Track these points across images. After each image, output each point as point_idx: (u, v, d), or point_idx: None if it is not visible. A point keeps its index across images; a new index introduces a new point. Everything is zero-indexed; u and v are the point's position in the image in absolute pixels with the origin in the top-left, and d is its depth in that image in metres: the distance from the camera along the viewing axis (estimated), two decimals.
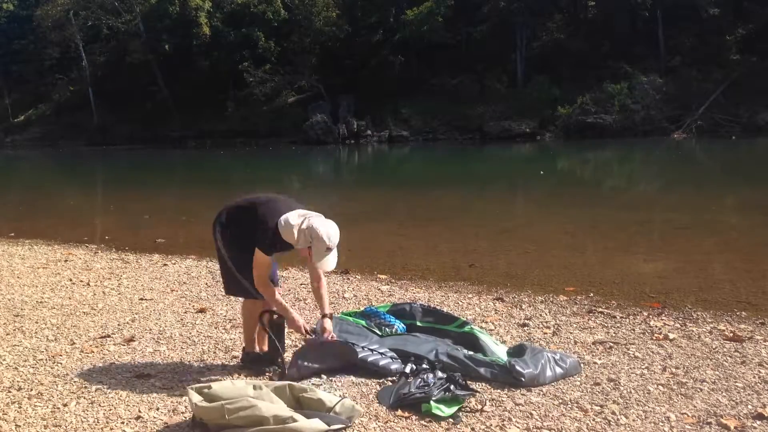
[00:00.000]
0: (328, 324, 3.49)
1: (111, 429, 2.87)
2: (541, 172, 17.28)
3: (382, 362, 3.45)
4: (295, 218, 3.24)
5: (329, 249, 3.18)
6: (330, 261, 3.23)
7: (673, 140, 28.18)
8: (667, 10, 32.02)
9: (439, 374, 3.18)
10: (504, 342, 3.92)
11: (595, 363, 3.56)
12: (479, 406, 3.00)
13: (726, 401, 3.03)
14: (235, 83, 39.97)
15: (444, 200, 12.58)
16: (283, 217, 3.24)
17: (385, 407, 3.02)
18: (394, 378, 3.35)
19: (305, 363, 3.38)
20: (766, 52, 29.56)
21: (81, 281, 5.87)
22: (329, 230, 3.18)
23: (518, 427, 2.82)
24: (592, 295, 5.18)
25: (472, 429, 2.81)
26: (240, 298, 3.66)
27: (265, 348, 3.61)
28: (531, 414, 2.94)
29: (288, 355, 3.54)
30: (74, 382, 3.41)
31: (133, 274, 6.17)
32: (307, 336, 3.46)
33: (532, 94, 33.00)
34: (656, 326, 4.23)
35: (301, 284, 5.58)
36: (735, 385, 3.21)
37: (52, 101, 48.59)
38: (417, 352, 3.57)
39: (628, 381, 3.29)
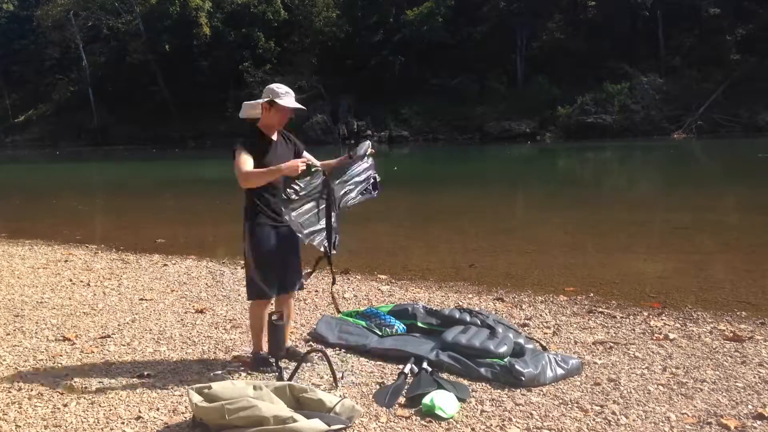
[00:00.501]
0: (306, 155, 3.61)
1: (111, 429, 2.87)
2: (395, 168, 17.30)
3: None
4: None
5: (287, 93, 3.48)
6: (290, 99, 3.48)
7: (673, 140, 28.20)
8: (667, 10, 32.06)
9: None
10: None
11: (595, 363, 3.56)
12: (479, 406, 3.00)
13: (726, 401, 3.03)
14: (235, 83, 40.00)
15: (444, 200, 12.58)
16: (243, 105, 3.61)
17: (384, 407, 3.02)
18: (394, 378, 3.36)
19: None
20: (766, 52, 29.58)
21: (81, 281, 5.87)
22: (275, 83, 3.59)
23: (518, 427, 2.82)
24: (592, 295, 5.18)
25: (472, 429, 2.81)
26: (243, 302, 3.66)
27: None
28: (531, 414, 2.94)
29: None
30: (74, 382, 3.41)
31: (133, 274, 6.17)
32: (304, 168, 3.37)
33: (532, 94, 33.05)
34: (656, 326, 4.23)
35: None
36: (735, 385, 3.21)
37: (52, 101, 48.64)
38: (417, 353, 3.57)
39: (628, 381, 3.29)
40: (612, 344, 3.86)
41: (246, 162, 3.33)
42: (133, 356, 3.82)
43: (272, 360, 3.54)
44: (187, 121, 39.80)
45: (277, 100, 3.43)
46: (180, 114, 40.45)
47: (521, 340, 3.69)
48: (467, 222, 9.63)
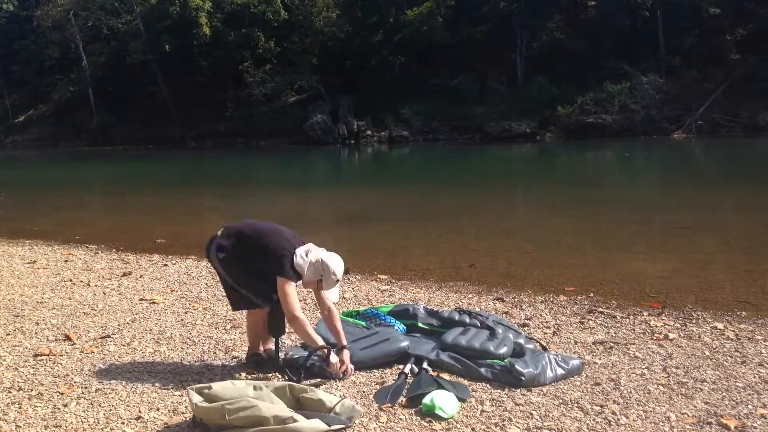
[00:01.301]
0: (346, 356, 3.44)
1: (111, 429, 2.87)
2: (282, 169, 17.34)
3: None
4: (305, 253, 3.40)
5: (337, 281, 3.41)
6: (336, 292, 3.49)
7: (673, 140, 28.21)
8: (667, 10, 32.04)
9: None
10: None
11: (595, 363, 3.56)
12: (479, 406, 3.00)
13: (726, 401, 3.04)
14: (235, 83, 39.98)
15: (444, 200, 12.58)
16: (297, 251, 3.39)
17: (383, 407, 3.02)
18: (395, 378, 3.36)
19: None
20: (766, 52, 29.55)
21: (81, 281, 5.87)
22: (337, 265, 3.39)
23: (518, 427, 2.82)
24: (592, 295, 5.18)
25: (472, 429, 2.82)
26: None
27: (270, 346, 3.63)
28: (531, 414, 2.94)
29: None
30: (74, 382, 3.41)
31: (132, 274, 6.18)
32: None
33: (532, 94, 33.00)
34: (656, 326, 4.23)
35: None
36: (735, 385, 3.21)
37: (52, 101, 48.57)
38: (417, 353, 3.57)
39: (628, 381, 3.29)
40: (612, 344, 3.86)
41: (295, 297, 3.35)
42: (133, 356, 3.82)
43: (270, 354, 3.57)
44: (187, 121, 39.74)
45: (326, 291, 3.41)
46: (180, 114, 40.39)
47: (521, 340, 3.69)
48: (467, 222, 9.63)
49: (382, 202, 12.54)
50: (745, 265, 6.26)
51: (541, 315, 4.56)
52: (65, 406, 3.11)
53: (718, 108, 29.74)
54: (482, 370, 3.36)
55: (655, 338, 3.97)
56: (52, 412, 3.05)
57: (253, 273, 3.45)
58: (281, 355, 3.58)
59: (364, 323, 4.07)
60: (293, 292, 3.34)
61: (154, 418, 2.96)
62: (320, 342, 3.37)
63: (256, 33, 38.81)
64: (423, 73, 36.19)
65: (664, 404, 3.02)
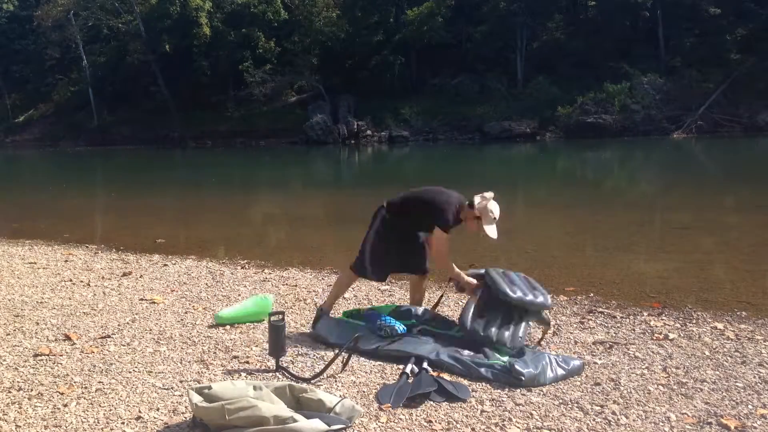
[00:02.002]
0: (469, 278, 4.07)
1: (111, 429, 2.87)
2: (213, 180, 17.47)
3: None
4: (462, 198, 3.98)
5: (495, 219, 3.89)
6: (494, 230, 3.92)
7: (673, 140, 28.22)
8: (667, 10, 32.05)
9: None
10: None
11: (595, 363, 3.56)
12: (480, 408, 3.00)
13: (726, 401, 3.04)
14: (235, 83, 39.97)
15: None
16: (455, 197, 3.98)
17: (383, 407, 3.02)
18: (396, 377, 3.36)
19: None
20: (766, 52, 29.55)
21: (81, 281, 5.87)
22: (494, 206, 3.90)
23: (518, 427, 2.82)
24: (592, 295, 5.18)
25: (472, 429, 2.82)
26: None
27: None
28: (531, 414, 2.94)
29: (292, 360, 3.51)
30: (74, 382, 3.41)
31: (133, 274, 6.17)
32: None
33: (532, 94, 33.02)
34: (656, 326, 4.23)
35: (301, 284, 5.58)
36: (735, 385, 3.21)
37: (52, 101, 48.56)
38: (418, 353, 3.57)
39: (628, 381, 3.29)
40: (612, 344, 3.86)
41: (446, 243, 3.98)
42: (133, 356, 3.82)
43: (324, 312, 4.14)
44: (187, 121, 39.73)
45: (486, 227, 3.88)
46: (180, 114, 40.40)
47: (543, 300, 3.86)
48: None
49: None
50: (745, 265, 6.26)
51: None
52: (65, 406, 3.11)
53: (718, 108, 29.76)
54: (482, 370, 3.36)
55: (655, 338, 3.98)
56: (52, 412, 3.05)
57: (396, 247, 4.10)
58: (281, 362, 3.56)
59: (364, 323, 4.07)
60: (445, 238, 3.93)
61: (154, 418, 2.96)
62: (465, 278, 4.01)
63: (256, 33, 38.81)
64: (423, 73, 36.23)
65: (664, 404, 3.02)
